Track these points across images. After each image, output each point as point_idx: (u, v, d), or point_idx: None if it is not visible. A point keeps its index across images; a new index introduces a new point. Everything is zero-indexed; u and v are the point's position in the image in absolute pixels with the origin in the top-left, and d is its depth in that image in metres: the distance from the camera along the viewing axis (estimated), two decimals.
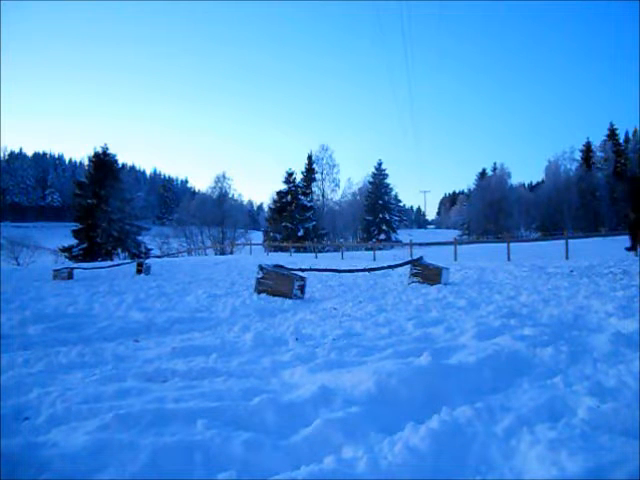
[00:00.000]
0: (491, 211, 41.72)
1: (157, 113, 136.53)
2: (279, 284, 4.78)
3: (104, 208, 30.73)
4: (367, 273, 7.11)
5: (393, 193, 46.02)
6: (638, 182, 7.14)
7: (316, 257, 18.28)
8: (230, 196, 41.46)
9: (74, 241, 30.96)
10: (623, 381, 1.55)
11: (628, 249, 6.25)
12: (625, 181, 8.38)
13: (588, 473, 0.99)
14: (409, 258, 7.50)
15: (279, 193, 39.46)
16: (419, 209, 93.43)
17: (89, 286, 7.15)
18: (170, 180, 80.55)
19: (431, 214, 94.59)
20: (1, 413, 1.43)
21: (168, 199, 68.50)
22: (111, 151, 33.12)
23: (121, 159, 61.44)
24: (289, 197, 38.87)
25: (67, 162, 78.37)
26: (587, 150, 41.31)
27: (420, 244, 19.56)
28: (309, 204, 39.39)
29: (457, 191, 72.38)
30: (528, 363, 1.87)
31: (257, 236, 41.03)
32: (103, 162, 32.37)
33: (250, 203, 61.20)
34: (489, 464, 1.11)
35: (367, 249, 24.23)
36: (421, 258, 6.04)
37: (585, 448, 1.07)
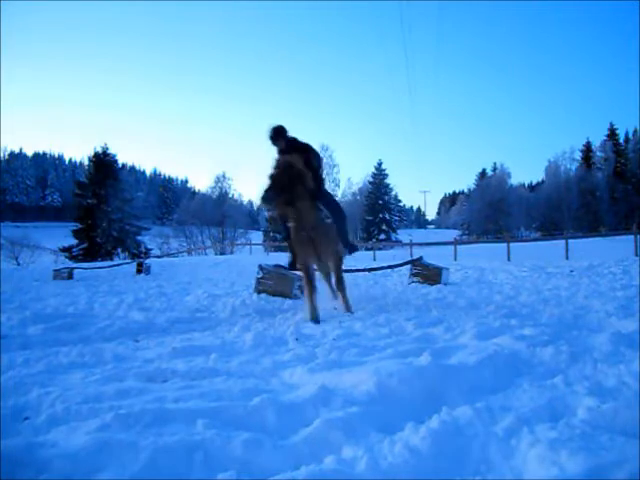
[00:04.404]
0: (491, 211, 41.71)
1: (157, 113, 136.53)
2: (279, 284, 4.78)
3: (104, 208, 30.73)
4: (367, 273, 7.12)
5: (393, 193, 46.09)
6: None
7: None
8: (230, 196, 41.48)
9: (74, 241, 30.96)
10: (623, 381, 1.55)
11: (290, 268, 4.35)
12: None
13: (588, 473, 0.99)
14: (409, 258, 7.51)
15: None
16: (419, 209, 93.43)
17: (89, 286, 7.15)
18: (170, 180, 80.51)
19: (431, 214, 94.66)
20: (1, 413, 1.42)
21: (168, 199, 68.41)
22: (111, 151, 33.13)
23: (121, 159, 61.52)
24: None
25: (67, 162, 78.40)
26: (587, 150, 41.30)
27: (420, 244, 19.58)
28: None
29: (457, 191, 72.34)
30: (528, 363, 1.87)
31: (257, 236, 40.99)
32: (103, 162, 32.36)
33: (250, 203, 61.21)
34: (489, 464, 1.11)
35: (367, 249, 24.22)
36: (421, 258, 6.04)
37: (585, 448, 1.07)
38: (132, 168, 74.60)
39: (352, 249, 4.09)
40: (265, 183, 3.37)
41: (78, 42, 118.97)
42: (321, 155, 3.93)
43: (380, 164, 44.84)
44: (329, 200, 3.96)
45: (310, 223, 3.47)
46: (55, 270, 9.07)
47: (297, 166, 3.40)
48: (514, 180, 46.22)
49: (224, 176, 40.79)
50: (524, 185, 50.34)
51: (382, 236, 41.17)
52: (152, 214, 58.34)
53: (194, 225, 38.25)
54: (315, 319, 3.31)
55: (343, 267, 3.97)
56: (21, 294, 5.86)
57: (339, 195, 43.78)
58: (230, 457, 1.15)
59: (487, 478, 1.06)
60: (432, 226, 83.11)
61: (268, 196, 3.36)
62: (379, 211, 42.89)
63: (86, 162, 37.02)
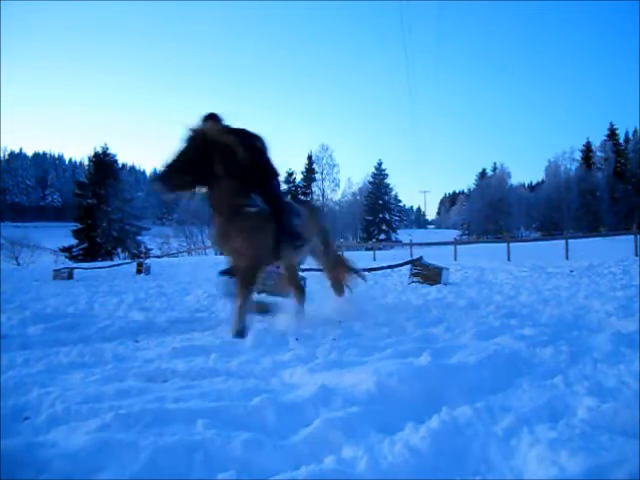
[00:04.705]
0: (491, 211, 41.75)
1: (157, 113, 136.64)
2: (279, 284, 4.77)
3: (104, 208, 30.81)
4: (367, 273, 7.12)
5: (393, 193, 46.09)
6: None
7: None
8: None
9: (74, 241, 31.01)
10: (623, 381, 1.55)
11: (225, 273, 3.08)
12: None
13: (588, 473, 0.99)
14: (409, 258, 7.51)
15: None
16: (419, 209, 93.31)
17: (89, 286, 7.16)
18: None
19: (431, 214, 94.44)
20: (1, 413, 1.42)
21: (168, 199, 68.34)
22: (111, 151, 33.21)
23: (121, 159, 61.59)
24: (289, 197, 38.90)
25: (67, 162, 78.39)
26: (587, 150, 41.34)
27: (420, 244, 19.58)
28: None
29: (457, 191, 72.27)
30: (528, 363, 1.87)
31: None
32: (103, 162, 32.44)
33: None
34: (489, 464, 1.11)
35: (367, 249, 24.23)
36: (421, 258, 6.05)
37: (585, 448, 1.07)
38: (132, 168, 74.61)
39: (292, 238, 3.03)
40: (168, 158, 2.57)
41: (78, 42, 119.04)
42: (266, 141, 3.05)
43: (380, 164, 44.83)
44: (270, 192, 2.97)
45: (226, 210, 2.69)
46: (55, 270, 9.08)
47: (220, 138, 2.59)
48: (514, 180, 46.32)
49: None
50: (524, 185, 50.35)
51: (382, 236, 41.16)
52: (152, 214, 58.37)
53: (194, 225, 38.28)
54: (239, 333, 2.67)
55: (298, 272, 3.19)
56: (21, 294, 5.86)
57: (339, 195, 43.89)
58: (230, 457, 1.15)
59: (487, 478, 1.06)
60: (432, 226, 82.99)
61: (165, 175, 2.58)
62: (379, 211, 42.87)
63: (86, 162, 37.19)
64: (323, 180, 42.67)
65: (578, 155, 41.77)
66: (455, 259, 12.38)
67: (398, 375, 1.60)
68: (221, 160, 2.62)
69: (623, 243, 12.56)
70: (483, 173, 47.92)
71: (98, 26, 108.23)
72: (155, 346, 2.58)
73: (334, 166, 42.68)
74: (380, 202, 42.99)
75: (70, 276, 8.71)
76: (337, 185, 43.55)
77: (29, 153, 75.25)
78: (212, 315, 3.80)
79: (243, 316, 2.76)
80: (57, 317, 3.44)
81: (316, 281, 6.23)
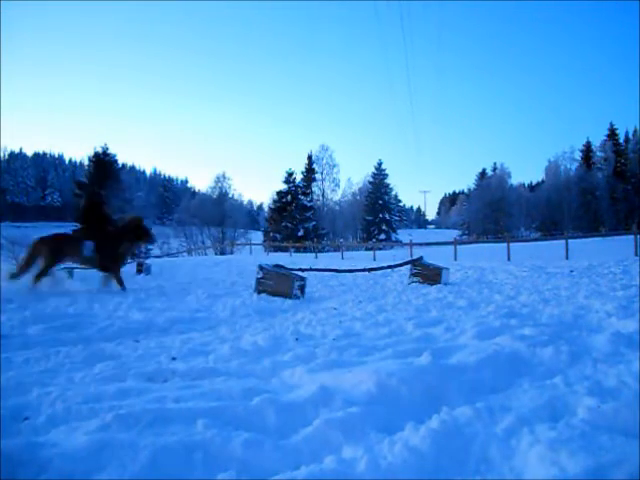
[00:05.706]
0: (491, 211, 41.80)
1: (157, 113, 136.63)
2: (279, 284, 4.78)
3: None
4: (367, 273, 7.12)
5: (393, 193, 46.04)
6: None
7: (316, 257, 18.28)
8: (230, 196, 41.62)
9: None
10: (623, 381, 1.55)
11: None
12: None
13: (588, 473, 0.99)
14: (409, 258, 7.51)
15: (279, 193, 39.56)
16: (419, 209, 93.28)
17: (89, 286, 7.14)
18: (170, 180, 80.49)
19: (431, 214, 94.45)
20: (1, 413, 1.42)
21: (168, 199, 68.38)
22: (111, 151, 33.27)
23: (121, 159, 61.69)
24: (289, 197, 38.95)
25: (67, 162, 78.39)
26: (587, 150, 41.33)
27: (420, 244, 19.58)
28: (309, 204, 39.49)
29: (457, 191, 72.43)
30: (528, 363, 1.87)
31: (257, 236, 41.05)
32: (103, 162, 32.49)
33: (250, 203, 61.61)
34: (489, 464, 1.11)
35: (367, 249, 24.23)
36: (421, 258, 6.05)
37: (585, 448, 1.07)
38: (132, 168, 74.65)
39: None
40: None
41: (78, 42, 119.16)
42: None
43: (380, 164, 44.75)
44: None
45: None
46: (55, 270, 9.05)
47: None
48: (514, 180, 46.33)
49: (224, 176, 40.98)
50: (524, 185, 50.31)
51: (382, 236, 41.10)
52: (152, 214, 58.42)
53: (194, 225, 38.31)
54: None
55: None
56: (21, 294, 5.85)
57: (339, 195, 43.86)
58: (230, 457, 1.15)
59: (487, 478, 1.06)
60: (432, 226, 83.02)
61: None
62: (379, 211, 42.80)
63: (86, 162, 37.25)
64: (323, 180, 42.68)
65: (578, 155, 41.78)
66: (455, 259, 12.37)
67: (398, 375, 1.60)
68: None
69: (623, 243, 12.56)
70: (483, 173, 47.92)
71: (98, 26, 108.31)
72: (155, 346, 2.58)
73: (334, 166, 42.72)
74: (380, 202, 42.92)
75: (70, 276, 8.70)
76: (337, 185, 43.61)
77: (29, 153, 75.25)
78: (212, 315, 3.80)
79: None
80: (57, 317, 3.44)
81: (318, 280, 6.24)
